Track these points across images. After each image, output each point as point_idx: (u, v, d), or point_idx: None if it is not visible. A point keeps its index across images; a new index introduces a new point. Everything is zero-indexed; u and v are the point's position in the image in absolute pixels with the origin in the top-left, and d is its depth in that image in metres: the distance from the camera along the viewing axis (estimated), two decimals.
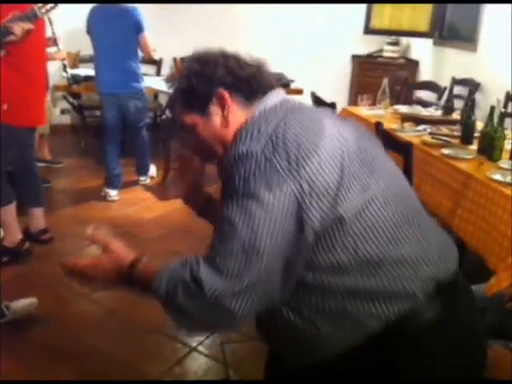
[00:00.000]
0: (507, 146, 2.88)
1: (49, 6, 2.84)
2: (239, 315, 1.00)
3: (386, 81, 3.92)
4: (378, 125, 3.08)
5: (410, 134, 3.28)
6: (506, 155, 2.81)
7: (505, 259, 2.23)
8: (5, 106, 2.85)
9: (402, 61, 6.23)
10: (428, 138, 3.16)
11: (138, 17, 3.94)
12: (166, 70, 5.83)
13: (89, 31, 4.04)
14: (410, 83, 5.67)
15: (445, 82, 4.94)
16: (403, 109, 3.95)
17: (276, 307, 1.10)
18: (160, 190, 4.47)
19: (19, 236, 3.17)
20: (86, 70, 5.00)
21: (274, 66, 1.32)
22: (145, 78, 4.34)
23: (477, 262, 2.53)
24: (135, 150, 4.44)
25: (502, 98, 3.91)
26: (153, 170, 4.64)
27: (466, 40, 5.14)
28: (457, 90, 4.91)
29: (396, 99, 4.56)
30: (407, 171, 2.67)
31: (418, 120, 3.56)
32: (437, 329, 1.10)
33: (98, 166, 4.63)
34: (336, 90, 5.90)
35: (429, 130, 3.34)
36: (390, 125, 3.43)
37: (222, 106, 1.19)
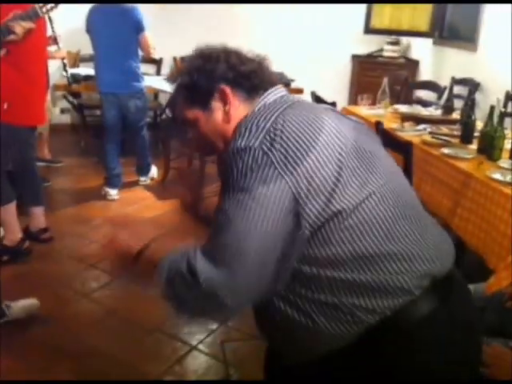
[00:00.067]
0: (507, 145, 2.88)
1: (49, 5, 2.84)
2: (233, 305, 1.02)
3: (386, 80, 3.93)
4: (378, 124, 3.09)
5: (410, 133, 3.29)
6: (505, 155, 2.82)
7: (504, 258, 2.24)
8: (5, 105, 2.85)
9: (402, 60, 6.24)
10: (428, 138, 3.16)
11: (138, 16, 3.93)
12: (166, 69, 5.83)
13: (88, 30, 4.04)
14: (410, 83, 5.67)
15: (445, 82, 4.93)
16: (403, 108, 3.96)
17: (273, 301, 1.11)
18: (160, 190, 4.48)
19: (19, 235, 3.17)
20: (86, 69, 5.01)
21: (275, 66, 1.32)
22: (145, 77, 4.34)
23: (477, 261, 2.53)
24: (136, 150, 4.44)
25: (502, 97, 3.91)
26: (154, 170, 4.62)
27: (466, 40, 5.15)
28: (457, 89, 4.91)
29: (396, 99, 4.57)
30: (407, 171, 2.67)
31: (417, 119, 3.57)
32: (432, 324, 1.11)
33: (97, 166, 4.63)
34: (336, 89, 5.90)
35: (429, 130, 3.35)
36: (390, 124, 3.43)
37: (224, 101, 1.20)
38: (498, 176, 2.50)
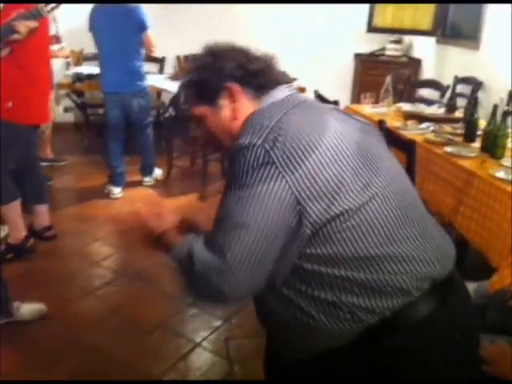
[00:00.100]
0: (510, 143, 2.89)
1: (52, 4, 2.85)
2: (227, 290, 1.04)
3: (388, 79, 3.93)
4: (381, 123, 3.09)
5: (413, 132, 3.29)
6: (508, 153, 2.82)
7: (507, 256, 2.24)
8: (9, 104, 2.86)
9: (404, 59, 6.23)
10: (431, 136, 3.17)
11: (141, 16, 3.94)
12: (168, 68, 5.85)
13: (91, 29, 4.03)
14: (413, 81, 5.67)
15: (447, 81, 4.94)
16: (406, 107, 3.96)
17: (273, 296, 1.13)
18: (163, 188, 4.49)
19: (24, 233, 3.18)
20: (90, 68, 5.01)
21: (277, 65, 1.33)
22: (148, 76, 4.35)
23: (479, 259, 2.54)
24: (140, 149, 4.43)
25: (505, 96, 3.91)
26: (158, 172, 4.60)
27: (469, 38, 5.14)
28: (459, 88, 4.91)
29: (399, 97, 4.57)
30: (410, 169, 2.68)
31: (420, 118, 3.57)
32: (431, 325, 1.12)
33: (101, 164, 4.64)
34: (339, 88, 5.91)
35: (432, 128, 3.35)
36: (393, 123, 3.43)
37: (231, 98, 1.21)
38: (501, 174, 2.50)
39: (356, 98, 5.74)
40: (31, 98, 2.99)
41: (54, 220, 3.50)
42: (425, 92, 5.32)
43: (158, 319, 2.67)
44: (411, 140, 2.83)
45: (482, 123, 3.17)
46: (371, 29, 6.28)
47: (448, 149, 2.91)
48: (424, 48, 6.10)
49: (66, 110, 5.88)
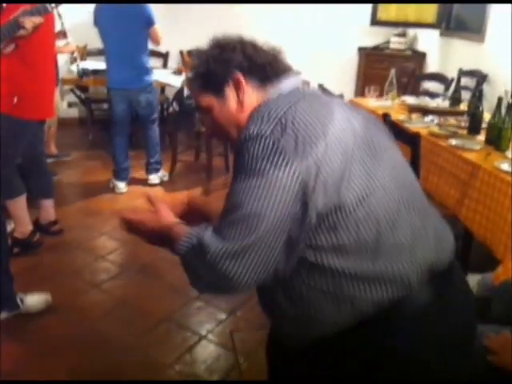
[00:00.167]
0: None
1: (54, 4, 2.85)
2: (235, 279, 1.04)
3: (393, 72, 3.92)
4: (386, 116, 3.09)
5: (418, 125, 3.29)
6: None
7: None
8: (15, 100, 2.87)
9: (408, 52, 6.21)
10: (435, 129, 3.16)
11: (149, 11, 3.95)
12: (172, 62, 5.86)
13: (97, 24, 4.03)
14: (417, 75, 5.65)
15: (452, 74, 4.91)
16: (410, 100, 3.95)
17: (278, 284, 1.13)
18: (168, 182, 4.50)
19: (30, 227, 3.21)
20: (95, 63, 5.02)
21: None
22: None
23: (484, 251, 2.54)
24: (146, 145, 4.41)
25: (510, 89, 3.90)
26: (165, 174, 4.54)
27: (473, 31, 5.12)
28: (464, 81, 4.89)
29: (403, 90, 4.56)
30: (415, 162, 2.68)
31: (425, 111, 3.57)
32: (430, 316, 1.13)
33: (106, 159, 4.66)
34: (343, 81, 5.90)
35: (436, 121, 3.35)
36: (398, 116, 3.43)
37: (238, 88, 1.22)
38: (505, 167, 2.50)
39: (360, 92, 5.74)
40: (37, 94, 2.99)
41: (60, 214, 3.52)
42: (429, 85, 5.30)
43: (163, 312, 2.69)
44: (416, 133, 2.83)
45: (487, 116, 3.16)
46: (375, 22, 6.26)
47: (453, 142, 2.91)
48: (428, 41, 6.07)
49: (70, 105, 5.91)
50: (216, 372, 2.30)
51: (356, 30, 6.20)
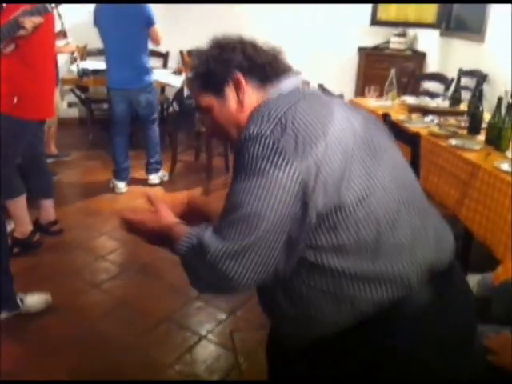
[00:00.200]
0: None
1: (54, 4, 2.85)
2: (235, 279, 1.04)
3: (393, 72, 3.92)
4: (386, 116, 3.09)
5: (418, 125, 3.29)
6: None
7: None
8: (15, 100, 2.87)
9: (408, 52, 6.21)
10: (435, 129, 3.16)
11: (149, 11, 3.96)
12: (172, 62, 5.85)
13: (97, 24, 4.03)
14: (417, 75, 5.65)
15: (452, 74, 4.91)
16: (410, 100, 3.95)
17: (278, 284, 1.13)
18: (168, 182, 4.50)
19: (30, 227, 3.21)
20: (95, 63, 5.02)
21: None
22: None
23: (484, 252, 2.54)
24: (146, 145, 4.41)
25: (510, 89, 3.90)
26: (164, 173, 4.54)
27: (473, 31, 5.12)
28: (464, 81, 4.89)
29: (403, 91, 4.56)
30: (415, 162, 2.68)
31: (425, 111, 3.57)
32: (430, 324, 1.13)
33: (105, 159, 4.66)
34: (343, 81, 5.90)
35: (436, 121, 3.35)
36: (398, 116, 3.43)
37: (238, 88, 1.22)
38: (505, 167, 2.50)
39: (360, 92, 5.74)
40: (37, 93, 2.99)
41: (60, 214, 3.52)
42: (429, 85, 5.30)
43: (163, 312, 2.69)
44: (416, 133, 2.83)
45: (487, 116, 3.16)
46: (375, 22, 6.26)
47: (452, 141, 2.91)
48: (428, 41, 6.07)
49: (70, 105, 5.90)
50: (216, 372, 2.30)
51: (356, 29, 6.20)
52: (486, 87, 4.42)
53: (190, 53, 5.21)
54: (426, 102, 3.91)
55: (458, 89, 3.88)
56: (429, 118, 3.42)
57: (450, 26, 5.70)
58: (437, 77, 5.12)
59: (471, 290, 1.34)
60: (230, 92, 1.23)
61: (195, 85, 1.28)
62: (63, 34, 3.77)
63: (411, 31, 6.29)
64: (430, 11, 6.03)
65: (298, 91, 1.21)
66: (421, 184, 1.30)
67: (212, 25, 5.20)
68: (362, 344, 1.13)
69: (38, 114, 3.10)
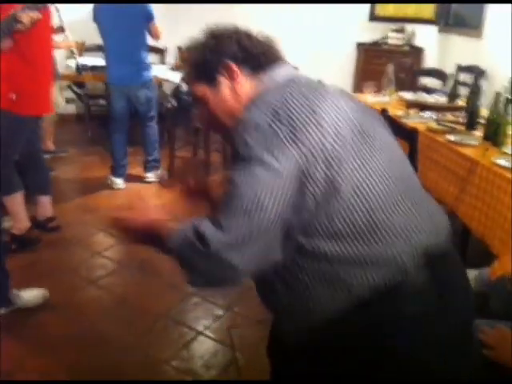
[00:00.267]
0: None
1: None
2: (240, 268, 1.05)
3: (391, 68, 3.92)
4: (384, 112, 3.08)
5: (416, 120, 3.28)
6: (510, 141, 2.81)
7: (508, 243, 2.24)
8: (13, 96, 2.86)
9: (406, 48, 6.20)
10: (433, 125, 3.16)
11: (148, 7, 3.95)
12: (170, 58, 5.84)
13: (96, 20, 4.02)
14: (415, 70, 5.64)
15: (450, 69, 4.92)
16: (408, 96, 3.95)
17: (275, 272, 1.14)
18: (165, 178, 4.49)
19: (27, 224, 3.20)
20: (94, 60, 5.00)
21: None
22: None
23: (481, 248, 2.54)
24: (144, 142, 4.40)
25: (508, 84, 3.89)
26: (164, 173, 4.52)
27: (472, 27, 5.11)
28: (462, 76, 4.89)
29: (401, 86, 4.55)
30: (413, 157, 2.67)
31: (423, 107, 3.56)
32: (430, 324, 1.13)
33: (103, 155, 4.65)
34: (341, 77, 5.88)
35: (434, 117, 3.34)
36: (396, 112, 3.43)
37: (231, 77, 1.23)
38: (503, 162, 2.49)
39: (358, 87, 5.72)
40: (34, 89, 2.98)
41: (57, 211, 3.52)
42: (427, 81, 5.30)
43: (160, 308, 2.68)
44: (413, 128, 2.82)
45: (485, 112, 3.16)
46: (373, 18, 6.24)
47: (450, 137, 2.90)
48: (426, 37, 6.06)
49: (68, 101, 5.88)
50: (213, 368, 2.30)
51: (354, 25, 6.19)
52: (484, 83, 4.42)
53: (185, 47, 5.19)
54: (424, 97, 3.90)
55: (456, 84, 3.87)
56: (426, 113, 3.42)
57: (448, 22, 5.70)
58: (435, 72, 5.12)
59: (470, 285, 1.33)
60: (223, 80, 1.23)
61: (190, 75, 1.29)
62: (61, 29, 3.75)
63: (409, 27, 6.27)
64: (428, 7, 6.02)
65: (292, 80, 1.21)
66: (419, 179, 1.30)
67: (212, 24, 5.23)
68: (362, 344, 1.12)
69: (36, 110, 3.09)
